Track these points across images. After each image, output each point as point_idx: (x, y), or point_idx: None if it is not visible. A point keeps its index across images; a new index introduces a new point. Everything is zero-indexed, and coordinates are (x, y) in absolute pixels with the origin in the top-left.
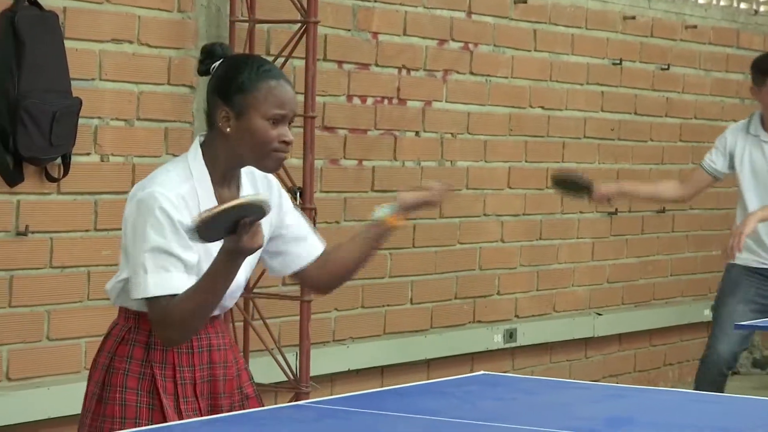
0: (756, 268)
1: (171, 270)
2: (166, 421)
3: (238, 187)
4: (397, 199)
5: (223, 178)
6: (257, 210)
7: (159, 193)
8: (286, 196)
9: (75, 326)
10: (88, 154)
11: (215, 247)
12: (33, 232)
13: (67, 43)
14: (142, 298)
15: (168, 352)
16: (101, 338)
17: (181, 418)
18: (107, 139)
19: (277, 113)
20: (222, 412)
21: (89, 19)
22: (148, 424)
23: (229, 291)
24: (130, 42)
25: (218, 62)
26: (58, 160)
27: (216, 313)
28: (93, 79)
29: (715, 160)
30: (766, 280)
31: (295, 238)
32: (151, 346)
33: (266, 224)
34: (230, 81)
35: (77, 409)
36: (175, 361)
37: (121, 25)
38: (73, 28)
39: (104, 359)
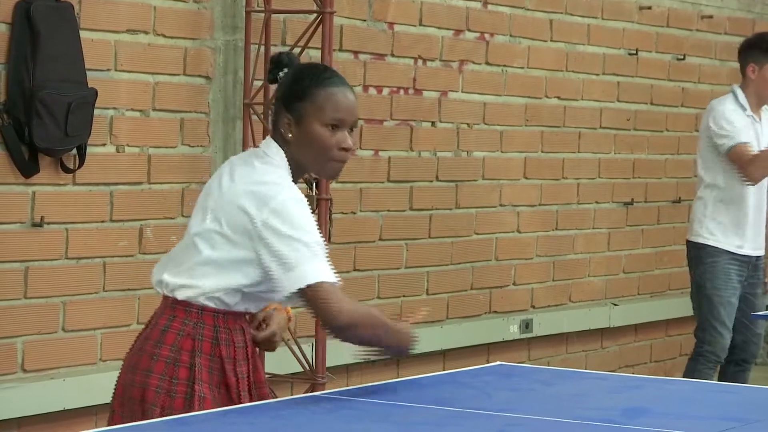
0: (739, 254)
1: (326, 261)
2: None
3: None
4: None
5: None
6: None
7: (295, 192)
8: None
9: (91, 318)
10: (104, 144)
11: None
12: (48, 223)
13: (83, 34)
14: (308, 284)
15: (230, 347)
16: (117, 330)
17: None
18: (123, 130)
19: (335, 118)
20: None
21: (104, 9)
22: None
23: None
24: (146, 32)
25: (284, 70)
26: (74, 151)
27: (252, 310)
28: (108, 70)
29: (744, 138)
30: (744, 264)
31: None
32: (218, 342)
33: None
34: (291, 88)
35: (93, 400)
36: (236, 356)
37: (136, 15)
38: (88, 18)
39: (167, 353)
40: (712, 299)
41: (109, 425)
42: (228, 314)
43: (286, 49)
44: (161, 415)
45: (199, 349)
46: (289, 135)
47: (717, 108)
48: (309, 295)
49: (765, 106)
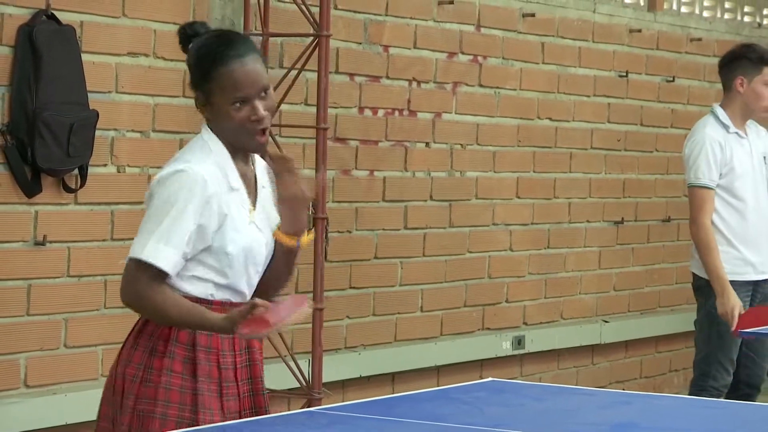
0: (748, 281)
1: (172, 248)
2: (206, 407)
3: (253, 163)
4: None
5: (234, 154)
6: None
7: (189, 168)
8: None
9: (92, 334)
10: (105, 165)
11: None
12: (51, 242)
13: (84, 57)
14: (131, 257)
15: (213, 337)
16: (118, 346)
17: (222, 402)
18: (123, 151)
19: (237, 97)
20: (262, 395)
21: (106, 33)
22: (192, 409)
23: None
24: (146, 55)
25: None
26: (76, 171)
27: (233, 299)
28: (109, 92)
29: (714, 178)
30: (750, 291)
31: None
32: (197, 331)
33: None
34: (196, 69)
35: (94, 415)
36: (219, 346)
37: (136, 38)
38: (90, 41)
39: (146, 341)
40: (725, 332)
41: (97, 417)
42: (211, 304)
43: (283, 72)
44: (135, 404)
45: (175, 338)
46: (206, 115)
47: (696, 133)
48: (126, 265)
49: (750, 120)
